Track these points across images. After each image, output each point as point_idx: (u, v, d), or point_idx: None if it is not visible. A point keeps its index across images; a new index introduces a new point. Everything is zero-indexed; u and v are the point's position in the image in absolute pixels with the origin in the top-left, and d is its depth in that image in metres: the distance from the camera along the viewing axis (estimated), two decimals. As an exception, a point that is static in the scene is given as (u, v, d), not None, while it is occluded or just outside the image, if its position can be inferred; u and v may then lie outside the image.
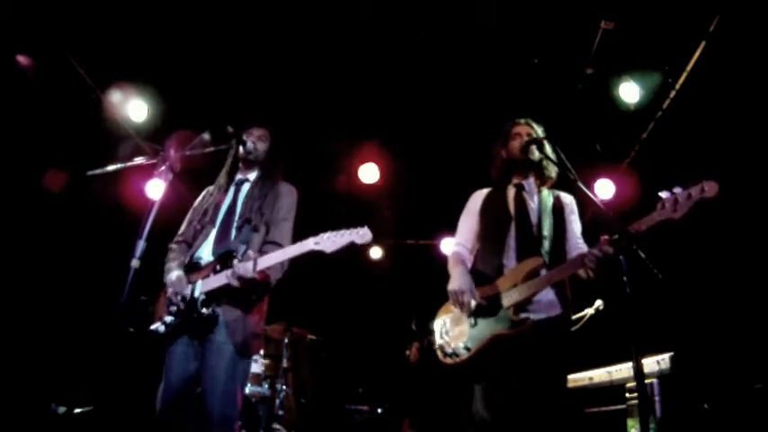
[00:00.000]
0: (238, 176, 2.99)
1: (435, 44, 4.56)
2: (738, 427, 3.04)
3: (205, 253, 2.73)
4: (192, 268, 2.69)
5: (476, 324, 2.64)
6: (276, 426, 4.60)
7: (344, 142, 5.71)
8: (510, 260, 2.72)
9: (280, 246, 2.67)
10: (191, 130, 2.96)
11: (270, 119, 3.10)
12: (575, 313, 3.96)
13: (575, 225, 2.85)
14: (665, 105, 4.67)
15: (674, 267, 2.98)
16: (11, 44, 4.19)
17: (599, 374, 3.60)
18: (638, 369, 2.08)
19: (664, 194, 2.25)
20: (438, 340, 2.78)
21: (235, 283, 2.48)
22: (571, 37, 4.39)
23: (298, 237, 2.79)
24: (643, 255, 2.28)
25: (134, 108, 4.94)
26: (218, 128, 2.91)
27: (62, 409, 4.19)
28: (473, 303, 2.63)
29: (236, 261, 2.53)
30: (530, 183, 2.96)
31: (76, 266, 5.01)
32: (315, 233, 2.44)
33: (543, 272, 2.61)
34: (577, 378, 3.78)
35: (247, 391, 4.57)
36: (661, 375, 3.13)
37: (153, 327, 2.60)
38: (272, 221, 2.78)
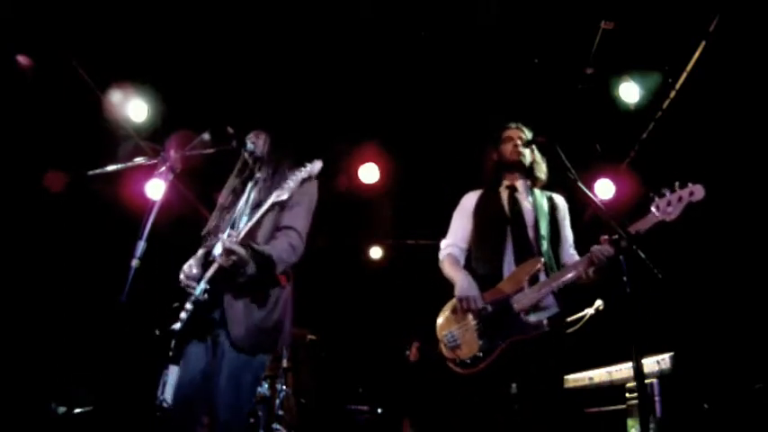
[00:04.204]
0: (254, 176, 2.94)
1: (435, 44, 4.56)
2: (738, 427, 3.04)
3: (217, 249, 2.70)
4: (207, 266, 2.58)
5: (486, 331, 2.59)
6: (276, 426, 4.60)
7: (344, 142, 5.71)
8: (508, 262, 2.71)
9: (293, 229, 2.60)
10: (191, 130, 2.96)
11: (270, 119, 3.09)
12: (575, 313, 3.97)
13: (567, 231, 2.89)
14: (665, 105, 4.67)
15: (674, 267, 2.98)
16: (11, 44, 4.19)
17: (599, 374, 3.60)
18: (638, 369, 2.08)
19: (655, 197, 2.38)
20: (448, 354, 2.69)
21: (222, 260, 2.36)
22: (571, 37, 4.39)
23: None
24: (643, 255, 2.29)
25: (134, 108, 4.94)
26: (218, 128, 2.91)
27: (62, 409, 4.19)
28: (481, 308, 2.60)
29: (223, 235, 2.44)
30: (521, 184, 2.96)
31: (77, 266, 5.01)
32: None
33: (543, 273, 2.64)
34: (577, 378, 3.78)
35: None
36: (661, 375, 3.13)
37: (174, 326, 2.51)
38: (284, 205, 2.65)
